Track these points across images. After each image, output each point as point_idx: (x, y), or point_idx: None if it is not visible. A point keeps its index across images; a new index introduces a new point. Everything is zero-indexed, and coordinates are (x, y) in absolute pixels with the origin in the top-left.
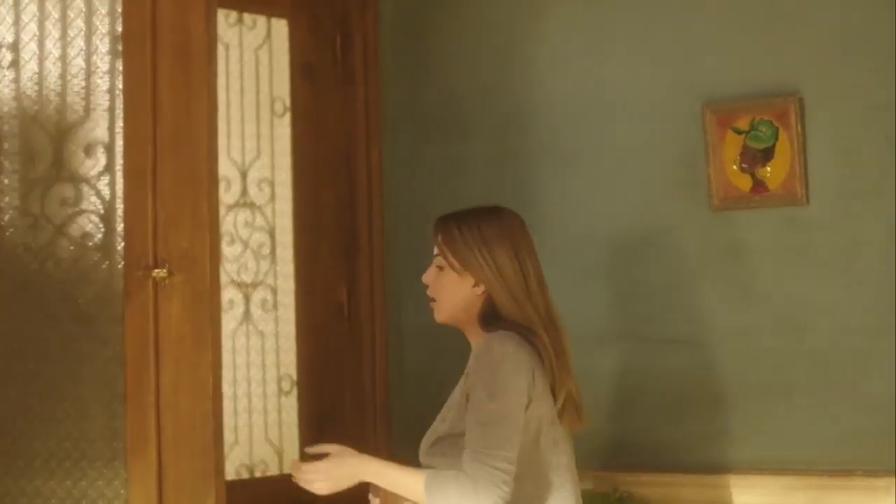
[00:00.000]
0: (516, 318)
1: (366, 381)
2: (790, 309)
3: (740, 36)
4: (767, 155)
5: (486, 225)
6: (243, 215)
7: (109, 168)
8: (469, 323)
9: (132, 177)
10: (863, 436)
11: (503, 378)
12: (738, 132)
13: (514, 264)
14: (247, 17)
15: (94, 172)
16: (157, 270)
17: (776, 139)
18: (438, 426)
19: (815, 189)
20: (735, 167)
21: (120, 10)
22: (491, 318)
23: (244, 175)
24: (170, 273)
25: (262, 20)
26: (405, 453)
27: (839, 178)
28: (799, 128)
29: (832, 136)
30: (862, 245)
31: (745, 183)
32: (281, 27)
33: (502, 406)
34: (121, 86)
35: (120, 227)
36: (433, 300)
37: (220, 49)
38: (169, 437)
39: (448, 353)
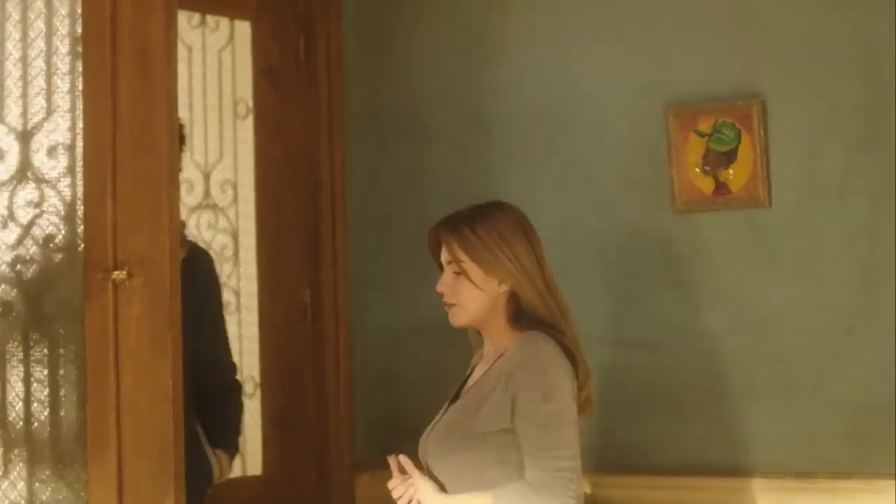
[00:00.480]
0: (540, 311)
1: (329, 384)
2: (753, 311)
3: (703, 39)
4: (730, 157)
5: (498, 221)
6: (206, 217)
7: (71, 169)
8: (492, 322)
9: (92, 179)
10: (826, 438)
11: (553, 379)
12: (701, 135)
13: (531, 256)
14: (210, 18)
15: (55, 174)
16: (116, 273)
17: (739, 142)
18: (462, 420)
19: (777, 191)
20: (698, 169)
21: (80, 11)
22: (520, 315)
23: (207, 177)
24: (129, 276)
25: (225, 22)
26: (368, 454)
27: (801, 181)
28: (761, 130)
29: (794, 139)
30: (824, 247)
31: (707, 185)
32: (244, 29)
33: (557, 406)
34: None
35: (81, 228)
36: (452, 305)
37: (183, 51)
38: (129, 440)
39: (411, 354)
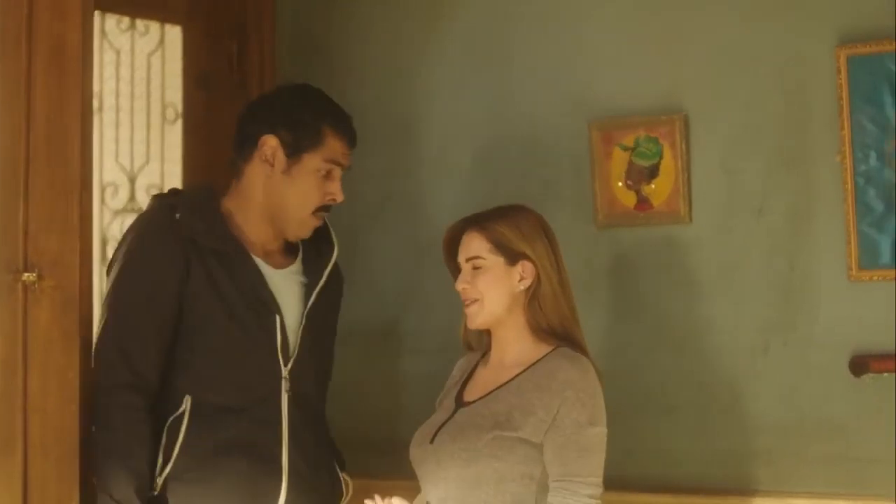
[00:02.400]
0: (554, 314)
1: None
2: (672, 327)
3: (628, 53)
4: (653, 172)
5: (520, 220)
6: (130, 221)
7: None
8: (509, 324)
9: (3, 180)
10: (740, 456)
11: (599, 402)
12: (624, 149)
13: (550, 257)
14: (139, 22)
15: None
16: (26, 275)
17: (661, 157)
18: (487, 426)
19: (698, 207)
20: (620, 184)
21: None
22: (536, 320)
23: (132, 181)
24: (40, 277)
25: (155, 26)
26: None
27: (721, 197)
28: (683, 146)
29: (715, 155)
30: (742, 265)
31: (630, 199)
32: (175, 34)
33: (601, 430)
34: None
35: None
36: (474, 302)
37: (111, 54)
38: (36, 441)
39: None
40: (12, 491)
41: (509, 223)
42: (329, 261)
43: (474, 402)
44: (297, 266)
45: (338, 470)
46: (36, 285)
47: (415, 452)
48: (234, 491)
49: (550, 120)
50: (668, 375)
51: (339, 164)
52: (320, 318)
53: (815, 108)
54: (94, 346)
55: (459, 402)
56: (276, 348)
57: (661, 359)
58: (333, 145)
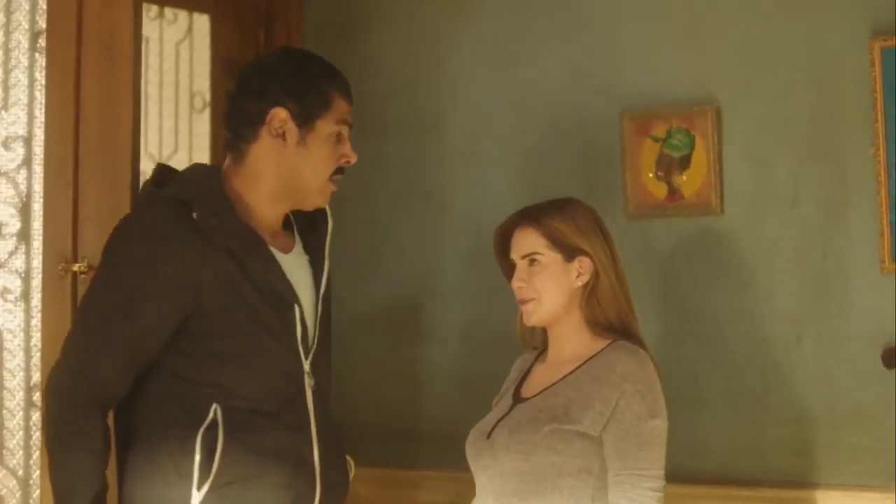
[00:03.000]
0: (613, 309)
1: None
2: (704, 319)
3: (659, 44)
4: (684, 163)
5: (576, 214)
6: None
7: (27, 162)
8: (566, 320)
9: (54, 171)
10: (773, 447)
11: (659, 396)
12: (656, 140)
13: (606, 251)
14: (168, 11)
15: (13, 165)
16: (76, 265)
17: (692, 148)
18: (545, 419)
19: (729, 198)
20: (651, 175)
21: (43, 6)
22: (593, 315)
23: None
24: (89, 267)
25: (183, 15)
26: None
27: (753, 189)
28: (715, 137)
29: (747, 146)
30: (773, 257)
31: (661, 191)
32: (203, 22)
33: (661, 423)
34: (41, 81)
35: (36, 220)
36: (531, 300)
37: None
38: None
39: (359, 350)
40: None
41: (565, 218)
42: (326, 236)
43: (532, 397)
44: (299, 245)
45: (346, 456)
46: (85, 275)
47: (471, 449)
48: (277, 501)
49: (580, 110)
50: (700, 367)
51: (348, 123)
52: (327, 302)
53: (848, 99)
54: (67, 338)
55: (517, 399)
56: (297, 342)
57: (693, 350)
58: (340, 105)
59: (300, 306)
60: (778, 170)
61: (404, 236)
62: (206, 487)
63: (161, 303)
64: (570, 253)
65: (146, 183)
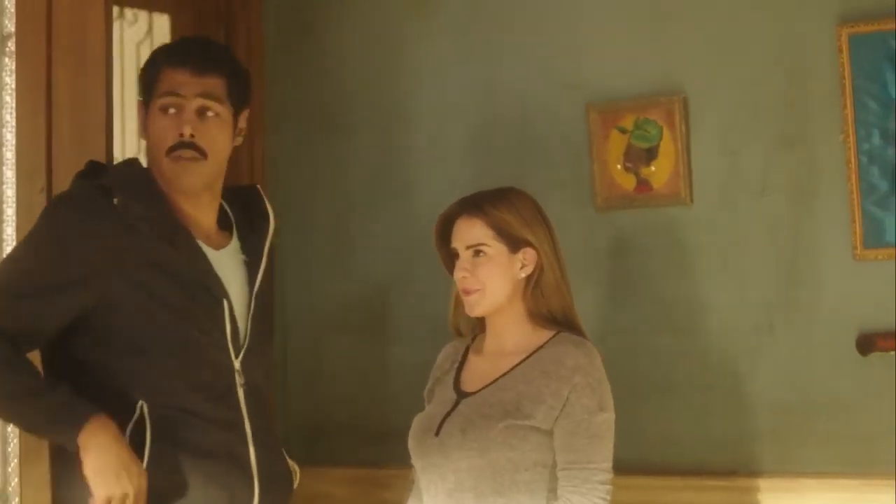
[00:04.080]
0: (555, 300)
1: None
2: (674, 309)
3: (625, 35)
4: (652, 154)
5: (519, 204)
6: None
7: None
8: (509, 311)
9: (27, 174)
10: (745, 437)
11: (607, 387)
12: (623, 131)
13: (549, 241)
14: (128, 11)
15: None
16: None
17: (660, 138)
18: (497, 415)
19: (698, 188)
20: (619, 166)
21: (11, 9)
22: (535, 306)
23: None
24: None
25: (143, 15)
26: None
27: (722, 178)
28: (683, 127)
29: (716, 136)
30: (744, 245)
31: (629, 182)
32: (163, 22)
33: (609, 416)
34: (11, 84)
35: (9, 226)
36: (473, 291)
37: None
38: None
39: (334, 349)
40: None
41: (510, 208)
42: (266, 235)
43: (478, 391)
44: (235, 243)
45: (286, 457)
46: None
47: (417, 445)
48: (212, 500)
49: (546, 102)
50: (670, 357)
51: (175, 92)
52: (263, 299)
53: (817, 87)
54: None
55: (460, 393)
56: (227, 338)
57: (663, 341)
58: (170, 77)
59: (229, 302)
60: (747, 158)
61: (372, 233)
62: None
63: (67, 274)
64: (515, 244)
65: (75, 175)
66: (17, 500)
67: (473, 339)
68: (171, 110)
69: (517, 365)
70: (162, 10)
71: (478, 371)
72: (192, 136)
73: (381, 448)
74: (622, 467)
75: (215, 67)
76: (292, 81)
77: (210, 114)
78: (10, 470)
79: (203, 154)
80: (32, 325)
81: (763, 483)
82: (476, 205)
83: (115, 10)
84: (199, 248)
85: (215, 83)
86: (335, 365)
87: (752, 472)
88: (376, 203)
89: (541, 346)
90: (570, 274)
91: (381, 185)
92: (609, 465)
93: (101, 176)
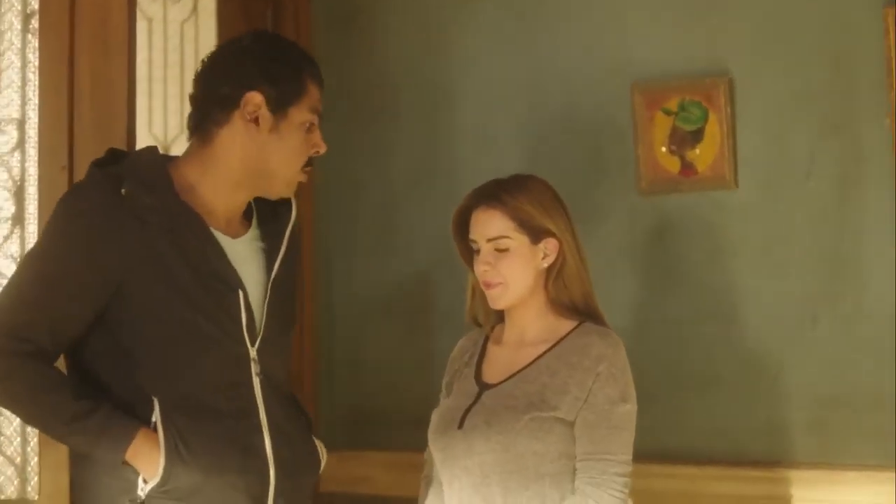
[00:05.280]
0: (577, 290)
1: (294, 365)
2: (717, 297)
3: (670, 16)
4: (697, 137)
5: (539, 192)
6: None
7: (21, 145)
8: (531, 303)
9: (47, 154)
10: (787, 428)
11: (629, 379)
12: (668, 113)
13: (569, 229)
14: None
15: (6, 149)
16: None
17: (706, 121)
18: (522, 406)
19: (743, 173)
20: (664, 149)
21: None
22: (557, 296)
23: (167, 151)
24: None
25: None
26: (334, 436)
27: (768, 162)
28: (728, 109)
29: (761, 119)
30: (788, 234)
31: (673, 165)
32: (209, 2)
33: (631, 408)
34: (35, 62)
35: (31, 204)
36: (496, 284)
37: (143, 23)
38: None
39: (378, 336)
40: None
41: (529, 197)
42: (287, 224)
43: (500, 383)
44: (253, 231)
45: (313, 439)
46: None
47: (438, 438)
48: (229, 491)
49: (591, 85)
50: (713, 346)
51: (319, 112)
52: (283, 287)
53: (864, 70)
54: None
55: (482, 385)
56: (242, 328)
57: (706, 329)
58: (314, 93)
59: (245, 291)
60: (792, 143)
61: (417, 220)
62: (151, 485)
63: (84, 278)
64: (537, 235)
65: (91, 163)
66: (36, 479)
67: (492, 330)
68: (307, 126)
69: (540, 356)
70: None
71: (499, 362)
72: None
73: (422, 433)
74: (666, 456)
75: None
76: (339, 66)
77: None
78: (29, 449)
79: None
80: (61, 333)
81: (805, 474)
82: (494, 195)
83: None
84: (213, 237)
85: None
86: (378, 352)
87: (795, 462)
88: (421, 190)
89: (564, 337)
90: (613, 260)
91: (426, 171)
92: (628, 457)
93: (117, 164)
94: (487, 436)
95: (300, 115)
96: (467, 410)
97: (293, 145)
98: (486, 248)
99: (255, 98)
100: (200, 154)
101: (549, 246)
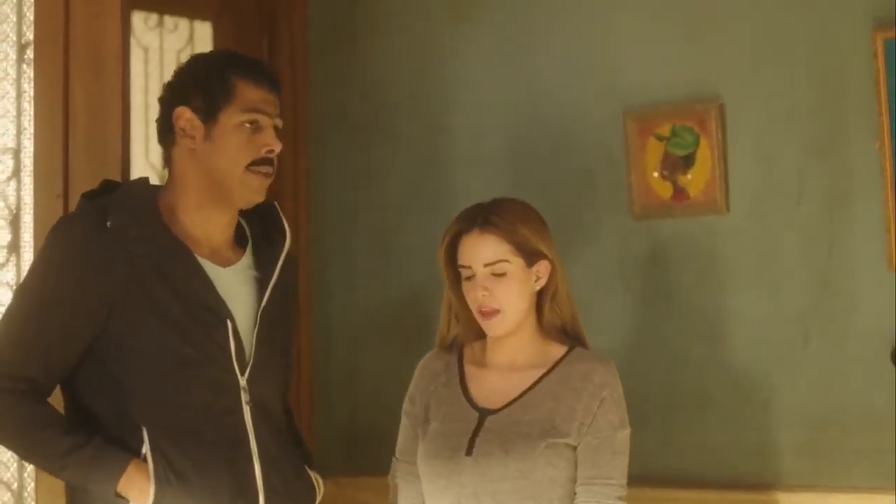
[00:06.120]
0: (565, 312)
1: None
2: (710, 318)
3: (661, 42)
4: (688, 162)
5: (528, 215)
6: None
7: (17, 173)
8: (525, 326)
9: (43, 183)
10: (779, 450)
11: (624, 405)
12: (660, 139)
13: (555, 251)
14: (168, 19)
15: (2, 177)
16: None
17: (697, 146)
18: (534, 433)
19: (735, 197)
20: (656, 174)
21: (31, 16)
22: (556, 317)
23: (163, 180)
24: None
25: (184, 23)
26: (330, 460)
27: (758, 186)
28: (719, 134)
29: (752, 143)
30: (779, 256)
31: (666, 190)
32: (205, 30)
33: (629, 433)
34: (30, 92)
35: (27, 232)
36: (494, 312)
37: (140, 52)
38: None
39: (374, 358)
40: None
41: (522, 220)
42: (281, 251)
43: (502, 408)
44: (247, 259)
45: (308, 472)
46: None
47: (442, 466)
48: None
49: (583, 110)
50: (705, 368)
51: (261, 111)
52: (276, 315)
53: (852, 93)
54: None
55: (481, 410)
56: (231, 357)
57: (698, 351)
58: (247, 93)
59: (233, 320)
60: (783, 166)
61: (413, 242)
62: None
63: (74, 312)
64: (531, 257)
65: (81, 195)
66: None
67: (460, 352)
68: (248, 126)
69: (539, 381)
70: (204, 18)
71: (488, 386)
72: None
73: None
74: (657, 479)
75: (278, 87)
76: (334, 90)
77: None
78: (26, 475)
79: (275, 171)
80: (54, 365)
81: (798, 497)
82: (486, 219)
83: (155, 17)
84: (200, 268)
85: (279, 102)
86: (375, 373)
87: (787, 485)
88: (417, 211)
89: (559, 361)
90: (605, 283)
91: (422, 193)
92: (625, 481)
93: (108, 195)
94: (505, 463)
95: (233, 117)
96: (473, 436)
97: (229, 148)
98: (482, 273)
99: (184, 113)
100: (170, 179)
101: (542, 268)
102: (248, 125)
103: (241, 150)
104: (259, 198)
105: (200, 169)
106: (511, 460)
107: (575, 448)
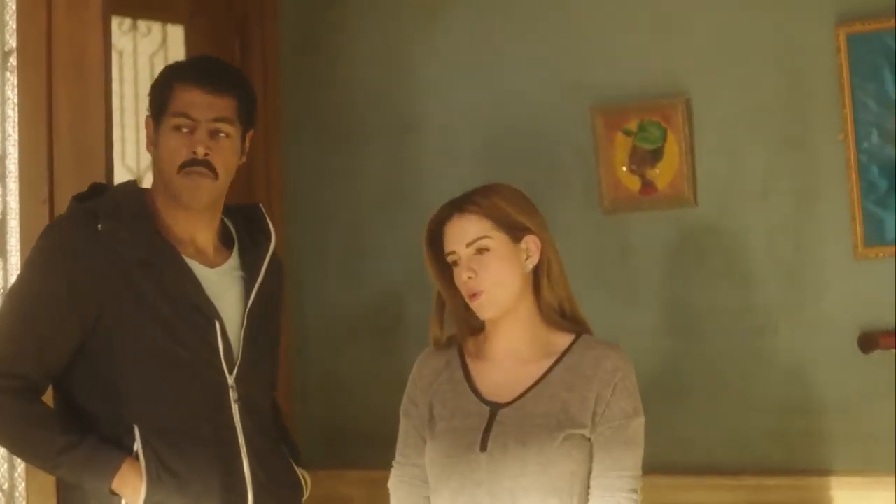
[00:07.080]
0: (565, 292)
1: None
2: (680, 311)
3: (628, 38)
4: (656, 156)
5: (513, 193)
6: None
7: (2, 179)
8: (520, 311)
9: (28, 188)
10: (752, 437)
11: (638, 393)
12: (628, 134)
13: (547, 230)
14: (141, 23)
15: None
16: None
17: (665, 140)
18: (552, 425)
19: (702, 190)
20: (625, 168)
21: (13, 25)
22: (553, 299)
23: (140, 182)
24: None
25: (157, 27)
26: (310, 455)
27: (725, 180)
28: (686, 129)
29: (719, 137)
30: (747, 247)
31: (634, 184)
32: (177, 34)
33: (643, 421)
34: (14, 99)
35: (12, 237)
36: (479, 293)
37: (114, 56)
38: None
39: (349, 357)
40: None
41: (502, 197)
42: (266, 252)
43: (513, 401)
44: (234, 260)
45: (295, 468)
46: None
47: (456, 464)
48: None
49: (552, 107)
50: (677, 359)
51: (188, 114)
52: (263, 314)
53: (817, 87)
54: None
55: (491, 404)
56: (220, 357)
57: (670, 343)
58: (183, 97)
59: (221, 321)
60: (749, 159)
61: (386, 241)
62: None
63: (65, 312)
64: (516, 232)
65: (71, 198)
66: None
67: (460, 347)
68: (185, 129)
69: (549, 371)
70: (176, 21)
71: (495, 379)
72: (205, 154)
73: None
74: None
75: (228, 89)
76: (306, 94)
77: (222, 135)
78: (16, 475)
79: (215, 173)
80: (47, 363)
81: (771, 482)
82: (466, 200)
83: (128, 21)
84: (188, 269)
85: (228, 105)
86: (351, 370)
87: (760, 471)
88: (389, 211)
89: (567, 350)
90: (577, 277)
91: (394, 193)
92: (639, 472)
93: (97, 198)
94: (523, 457)
95: (169, 120)
96: (486, 431)
97: (164, 151)
98: (466, 255)
99: (147, 121)
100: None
101: (531, 244)
102: (184, 129)
103: (172, 152)
104: (202, 197)
105: (156, 172)
106: (529, 454)
107: (589, 439)
